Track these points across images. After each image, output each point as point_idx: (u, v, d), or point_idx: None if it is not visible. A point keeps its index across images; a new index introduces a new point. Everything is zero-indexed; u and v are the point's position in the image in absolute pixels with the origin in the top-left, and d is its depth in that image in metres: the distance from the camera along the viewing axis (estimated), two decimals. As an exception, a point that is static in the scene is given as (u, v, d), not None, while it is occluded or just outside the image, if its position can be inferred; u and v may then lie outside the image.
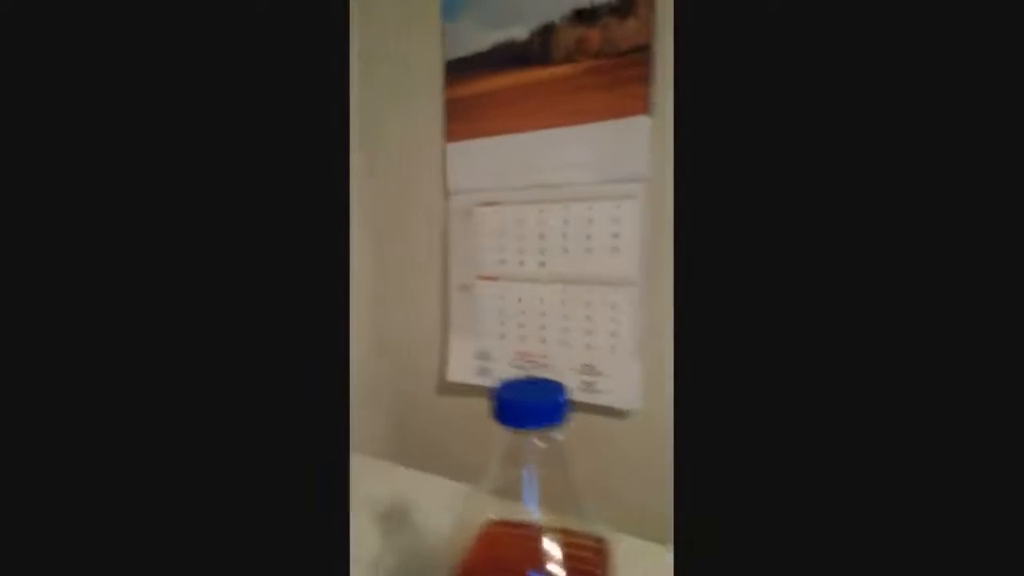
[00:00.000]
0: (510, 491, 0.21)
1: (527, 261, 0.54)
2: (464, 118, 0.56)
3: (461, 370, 0.60)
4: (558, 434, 0.21)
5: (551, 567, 0.20)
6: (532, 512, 0.21)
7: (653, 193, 0.47)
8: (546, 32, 0.50)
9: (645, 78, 0.46)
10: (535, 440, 0.20)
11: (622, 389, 0.50)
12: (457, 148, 0.57)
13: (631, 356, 0.49)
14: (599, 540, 0.21)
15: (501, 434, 0.21)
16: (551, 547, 0.20)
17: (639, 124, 0.47)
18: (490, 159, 0.55)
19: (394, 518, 0.46)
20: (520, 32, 0.51)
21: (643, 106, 0.46)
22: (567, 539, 0.21)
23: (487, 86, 0.54)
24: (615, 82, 0.47)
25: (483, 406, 0.62)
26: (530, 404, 0.20)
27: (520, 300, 0.55)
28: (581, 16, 0.48)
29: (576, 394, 0.52)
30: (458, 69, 0.56)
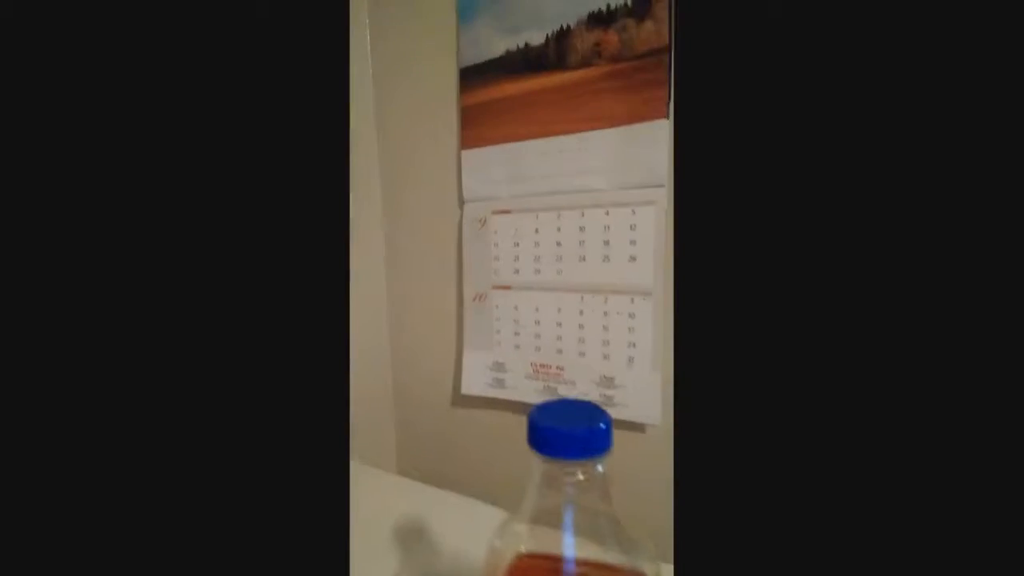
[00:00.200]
0: (546, 521, 0.20)
1: (543, 270, 0.53)
2: (479, 125, 0.55)
3: (475, 383, 0.58)
4: (600, 465, 0.19)
5: None
6: (569, 547, 0.19)
7: (672, 199, 0.46)
8: (562, 36, 0.49)
9: (663, 81, 0.45)
10: (576, 472, 0.19)
11: (641, 403, 0.48)
12: (472, 155, 0.56)
13: (650, 368, 0.48)
14: (640, 574, 0.19)
15: (537, 462, 0.20)
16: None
17: (657, 128, 0.45)
18: (505, 166, 0.54)
19: (408, 535, 0.44)
20: (536, 37, 0.50)
21: (661, 110, 0.45)
22: (607, 574, 0.19)
23: (502, 92, 0.53)
24: (633, 86, 0.46)
25: (498, 419, 0.60)
26: (569, 432, 0.18)
27: (537, 310, 0.53)
28: (597, 19, 0.47)
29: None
30: (473, 76, 0.55)
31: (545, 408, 0.20)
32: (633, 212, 0.47)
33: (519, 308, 0.55)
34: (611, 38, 0.47)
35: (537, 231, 0.53)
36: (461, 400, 0.60)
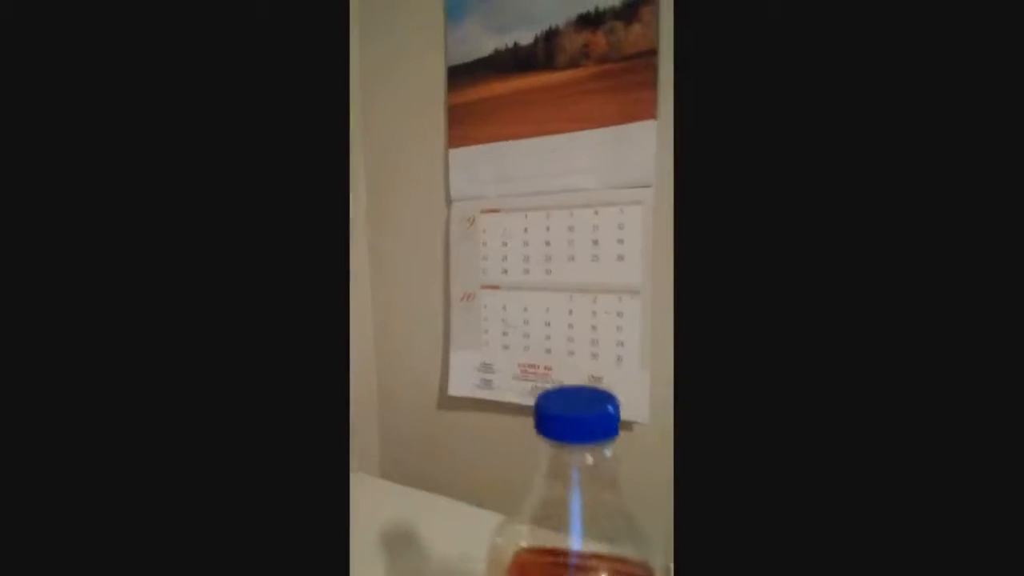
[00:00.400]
0: (551, 515, 0.19)
1: (532, 269, 0.53)
2: (467, 124, 0.55)
3: (462, 384, 0.58)
4: (607, 450, 0.19)
5: None
6: (576, 536, 0.19)
7: (659, 199, 0.46)
8: (550, 37, 0.49)
9: (651, 83, 0.45)
10: (585, 455, 0.19)
11: (630, 401, 0.48)
12: (459, 154, 0.56)
13: (639, 366, 0.48)
14: (646, 567, 0.19)
15: (544, 450, 0.19)
16: (587, 567, 0.18)
17: (645, 129, 0.46)
18: (493, 165, 0.54)
19: (395, 540, 0.43)
20: (524, 37, 0.51)
21: (649, 111, 0.46)
22: (610, 566, 0.19)
23: (491, 91, 0.53)
24: (620, 87, 0.47)
25: (485, 421, 0.60)
26: (578, 416, 0.18)
27: (525, 310, 0.53)
28: (586, 20, 0.48)
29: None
30: (461, 75, 0.55)
31: (552, 394, 0.20)
32: (621, 211, 0.48)
33: (507, 308, 0.54)
34: (599, 40, 0.47)
35: (526, 230, 0.53)
36: (447, 402, 0.60)
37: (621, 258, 0.48)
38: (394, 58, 0.59)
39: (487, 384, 0.56)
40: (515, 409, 0.55)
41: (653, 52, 0.45)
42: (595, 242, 0.49)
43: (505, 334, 0.55)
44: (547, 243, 0.51)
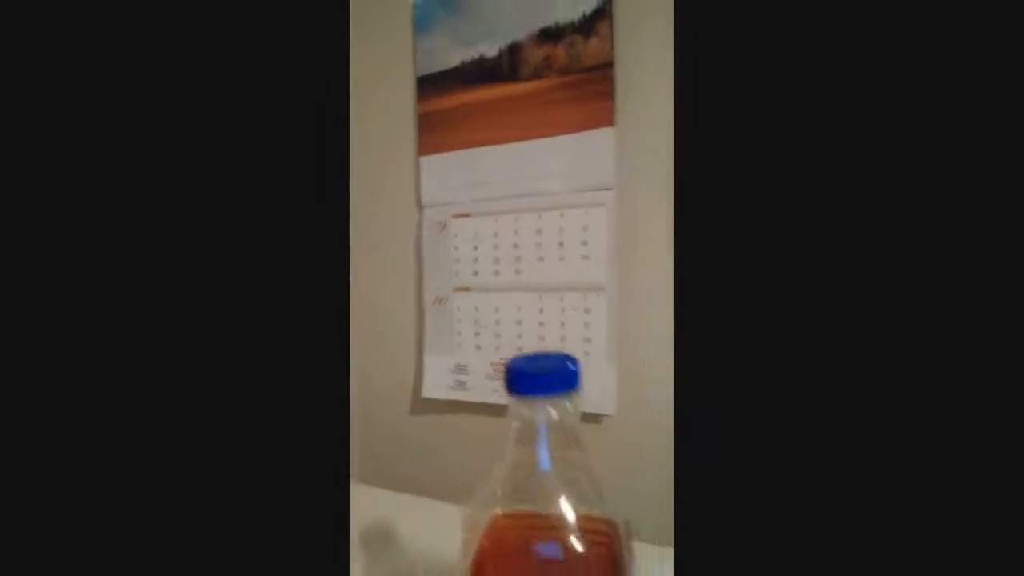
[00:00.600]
0: (525, 480, 0.21)
1: (503, 271, 0.54)
2: (437, 131, 0.57)
3: (437, 386, 0.59)
4: (570, 404, 0.21)
5: (559, 541, 0.20)
6: (545, 468, 0.20)
7: (620, 200, 0.49)
8: (514, 50, 0.52)
9: (609, 92, 0.48)
10: (549, 408, 0.21)
11: (597, 394, 0.50)
12: (430, 161, 0.57)
13: (606, 361, 0.50)
14: (611, 523, 0.21)
15: (513, 406, 0.21)
16: (560, 526, 0.20)
17: (605, 135, 0.49)
18: (463, 171, 0.56)
19: (372, 540, 0.44)
20: (489, 49, 0.53)
21: (608, 118, 0.49)
22: (579, 524, 0.20)
23: (458, 101, 0.55)
24: (581, 97, 0.50)
25: (461, 422, 0.61)
26: (542, 372, 0.20)
27: (497, 310, 0.55)
28: (547, 35, 0.51)
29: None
30: (430, 85, 0.57)
31: (520, 358, 0.22)
32: (586, 213, 0.50)
33: (479, 309, 0.56)
34: (560, 52, 0.50)
35: (496, 234, 0.54)
36: (422, 404, 0.60)
37: (586, 257, 0.51)
38: (364, 69, 0.61)
39: (461, 385, 0.57)
40: (489, 409, 0.56)
41: (610, 64, 0.48)
42: (561, 243, 0.52)
43: (477, 335, 0.56)
44: (516, 245, 0.54)
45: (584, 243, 0.51)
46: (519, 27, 0.52)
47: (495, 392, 0.56)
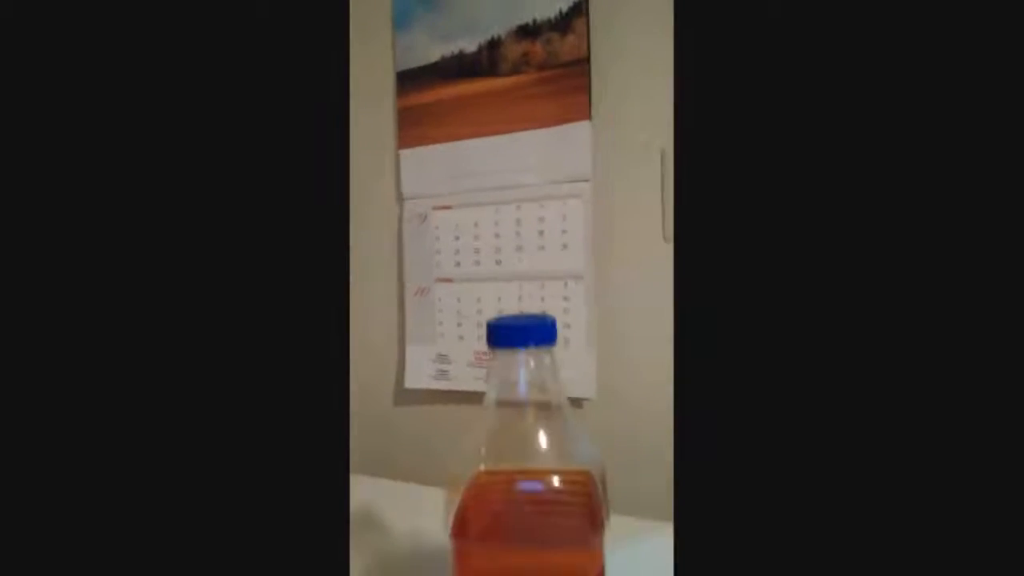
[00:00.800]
0: (505, 437, 0.22)
1: (483, 261, 0.56)
2: (417, 125, 0.58)
3: (419, 376, 0.59)
4: (548, 358, 0.22)
5: (540, 482, 0.21)
6: (525, 422, 0.21)
7: (597, 191, 0.51)
8: (493, 46, 0.54)
9: (585, 87, 0.50)
10: (529, 359, 0.22)
11: (578, 379, 0.52)
12: (410, 154, 0.58)
13: (585, 346, 0.52)
14: (587, 473, 0.22)
15: (495, 366, 0.22)
16: (539, 474, 0.21)
17: (581, 129, 0.51)
18: (443, 164, 0.57)
19: (359, 524, 0.44)
20: (469, 45, 0.55)
21: (584, 112, 0.50)
22: (558, 475, 0.22)
23: (438, 95, 0.56)
24: (558, 91, 0.51)
25: (442, 413, 0.61)
26: (518, 324, 0.22)
27: (479, 300, 0.56)
28: (525, 31, 0.52)
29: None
30: (410, 79, 0.58)
31: (501, 318, 0.23)
32: (564, 204, 0.52)
33: (461, 299, 0.57)
34: (537, 49, 0.52)
35: (476, 225, 0.56)
36: (404, 395, 0.61)
37: (565, 247, 0.52)
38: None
39: (443, 375, 0.58)
40: (472, 397, 0.57)
41: (586, 60, 0.50)
42: (541, 233, 0.53)
43: (460, 324, 0.57)
44: (497, 236, 0.55)
45: (563, 232, 0.52)
46: (497, 23, 0.53)
47: (477, 380, 0.56)
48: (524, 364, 0.22)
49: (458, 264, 0.57)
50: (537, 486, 0.21)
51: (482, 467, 0.23)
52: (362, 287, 0.63)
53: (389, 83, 0.59)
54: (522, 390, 0.22)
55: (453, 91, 0.56)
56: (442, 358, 0.58)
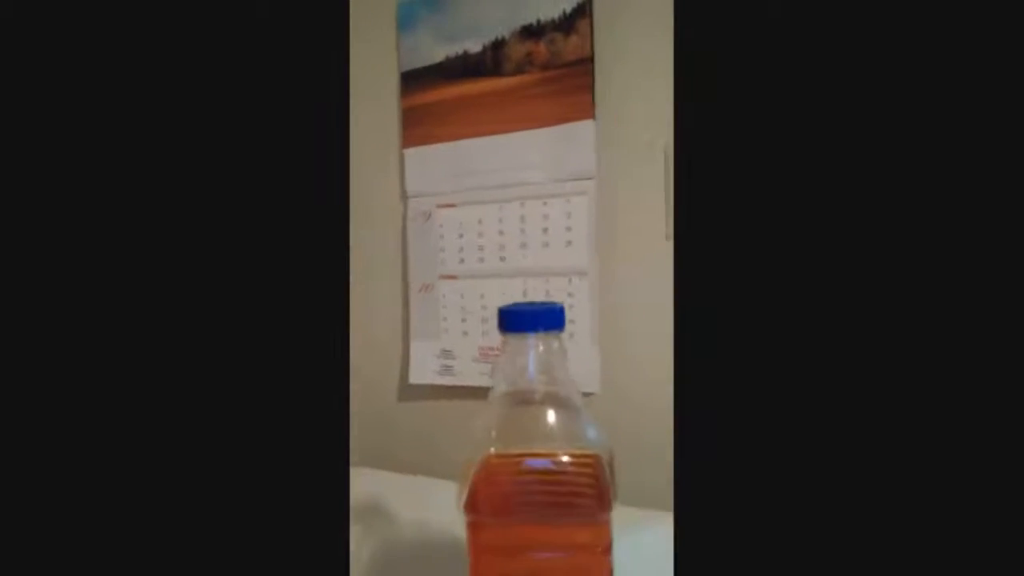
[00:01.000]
0: (513, 422, 0.22)
1: (487, 258, 0.56)
2: (421, 125, 0.59)
3: (423, 371, 0.60)
4: (556, 342, 0.23)
5: (551, 461, 0.21)
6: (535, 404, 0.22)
7: (600, 189, 0.51)
8: (497, 46, 0.54)
9: (589, 87, 0.51)
10: (538, 344, 0.22)
11: (582, 374, 0.52)
12: (415, 153, 0.59)
13: (589, 341, 0.52)
14: (595, 456, 0.23)
15: (505, 351, 0.23)
16: (548, 454, 0.22)
17: (585, 127, 0.51)
18: (447, 163, 0.57)
19: (364, 516, 0.45)
20: (473, 45, 0.55)
21: (588, 111, 0.51)
22: (567, 456, 0.22)
23: (442, 95, 0.57)
24: (562, 91, 0.52)
25: (446, 408, 0.62)
26: (527, 310, 0.22)
27: (482, 296, 0.57)
28: (529, 32, 0.53)
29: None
30: (414, 79, 0.58)
31: (511, 304, 0.24)
32: (568, 201, 0.53)
33: (465, 296, 0.57)
34: (541, 49, 0.53)
35: (480, 222, 0.56)
36: (409, 390, 0.61)
37: (569, 244, 0.53)
38: (350, 64, 0.62)
39: (448, 370, 0.59)
40: (476, 393, 0.57)
41: (590, 59, 0.51)
42: (545, 230, 0.54)
43: (464, 320, 0.58)
44: (501, 233, 0.55)
45: (568, 229, 0.53)
46: (502, 24, 0.54)
47: (482, 376, 0.57)
48: (534, 348, 0.22)
49: (462, 261, 0.57)
50: (548, 464, 0.22)
51: (492, 450, 0.23)
52: (367, 284, 0.64)
53: (393, 83, 0.60)
54: (531, 374, 0.23)
55: (457, 91, 0.56)
56: (446, 354, 0.59)
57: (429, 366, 0.59)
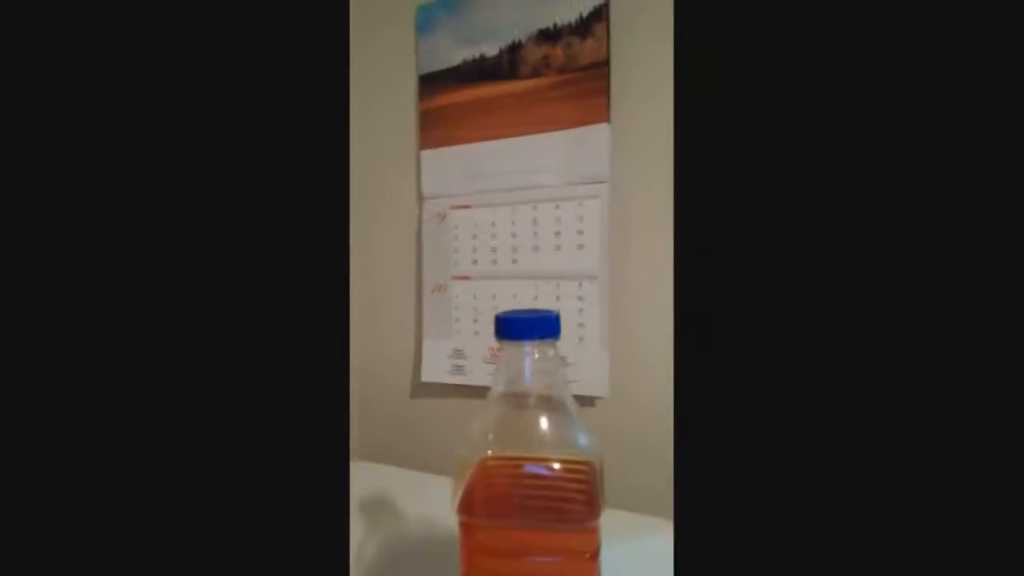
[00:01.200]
0: (509, 427, 0.23)
1: (500, 260, 0.57)
2: (438, 127, 0.59)
3: (435, 370, 0.61)
4: (552, 349, 0.23)
5: (544, 467, 0.22)
6: (530, 410, 0.22)
7: (614, 193, 0.51)
8: (514, 50, 0.55)
9: (604, 90, 0.51)
10: (534, 351, 0.23)
11: (591, 378, 0.53)
12: (431, 155, 0.60)
13: (599, 346, 0.52)
14: (587, 462, 0.23)
15: (502, 358, 0.23)
16: (542, 460, 0.22)
17: (600, 131, 0.51)
18: (463, 165, 0.58)
19: (371, 510, 0.46)
20: (490, 49, 0.56)
21: (603, 115, 0.51)
22: (561, 463, 0.23)
23: (459, 98, 0.58)
24: (577, 94, 0.52)
25: (457, 406, 0.63)
26: (523, 318, 0.23)
27: (494, 297, 0.57)
28: (545, 35, 0.53)
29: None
30: (431, 82, 0.59)
31: (508, 312, 0.25)
32: (580, 205, 0.53)
33: (477, 296, 0.58)
34: (557, 52, 0.53)
35: (494, 224, 0.57)
36: (421, 388, 0.62)
37: (581, 247, 0.53)
38: (368, 68, 0.64)
39: (459, 370, 0.59)
40: (486, 392, 0.58)
41: (605, 63, 0.51)
42: (557, 233, 0.54)
43: (476, 321, 0.58)
44: (513, 235, 0.56)
45: (580, 232, 0.53)
46: (519, 28, 0.54)
47: (491, 376, 0.58)
48: (529, 355, 0.23)
49: (475, 262, 0.58)
50: (542, 470, 0.22)
51: (489, 452, 0.24)
52: (381, 283, 0.65)
53: (412, 86, 0.61)
54: (527, 380, 0.23)
55: (474, 94, 0.57)
56: (458, 353, 0.59)
57: (441, 365, 0.60)
